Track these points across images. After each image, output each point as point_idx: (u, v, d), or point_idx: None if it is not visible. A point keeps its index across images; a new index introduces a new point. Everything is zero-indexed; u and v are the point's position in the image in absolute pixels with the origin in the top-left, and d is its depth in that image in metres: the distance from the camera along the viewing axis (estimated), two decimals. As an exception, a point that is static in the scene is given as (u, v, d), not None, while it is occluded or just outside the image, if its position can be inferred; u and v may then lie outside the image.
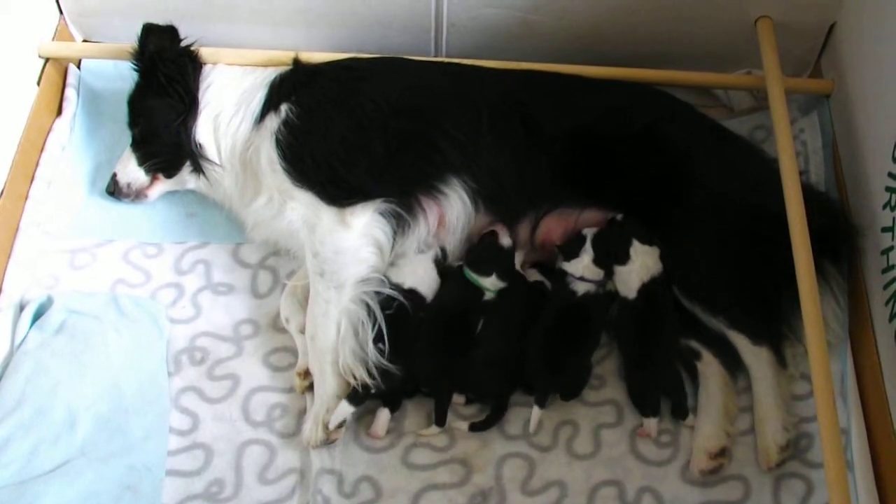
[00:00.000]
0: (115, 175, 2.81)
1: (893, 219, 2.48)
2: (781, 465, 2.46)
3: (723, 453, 2.46)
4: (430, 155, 2.62)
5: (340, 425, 2.46)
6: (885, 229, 2.53)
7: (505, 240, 2.64)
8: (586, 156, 2.66)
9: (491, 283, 2.61)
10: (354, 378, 2.45)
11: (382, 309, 2.53)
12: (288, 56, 2.80)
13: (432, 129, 2.62)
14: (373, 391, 2.46)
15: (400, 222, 2.60)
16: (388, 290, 2.55)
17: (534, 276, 2.70)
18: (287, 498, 2.43)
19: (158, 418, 2.51)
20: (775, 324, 2.59)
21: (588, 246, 2.62)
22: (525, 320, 2.60)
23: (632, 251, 2.59)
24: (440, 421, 2.50)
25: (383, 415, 2.49)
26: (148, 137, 2.76)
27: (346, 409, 2.45)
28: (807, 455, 2.48)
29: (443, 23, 2.98)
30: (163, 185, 2.83)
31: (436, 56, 3.07)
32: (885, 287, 2.50)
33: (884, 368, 2.48)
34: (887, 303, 2.48)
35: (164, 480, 2.44)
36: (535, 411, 2.50)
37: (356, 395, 2.45)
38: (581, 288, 2.61)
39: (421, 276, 2.61)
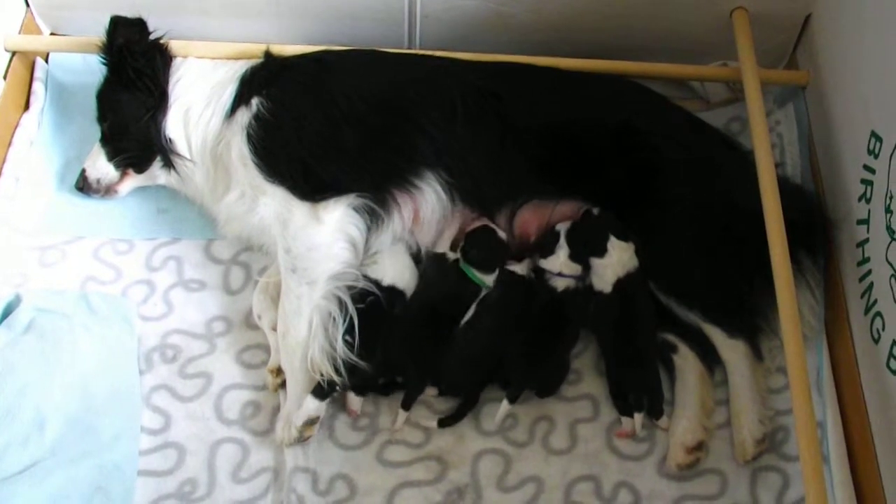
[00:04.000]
0: (84, 170, 2.77)
1: (869, 211, 2.48)
2: (758, 459, 2.46)
3: (699, 447, 2.46)
4: (404, 149, 2.60)
5: (313, 423, 2.43)
6: (860, 221, 2.53)
7: (501, 233, 2.63)
8: (561, 149, 2.64)
9: (491, 280, 2.61)
10: (321, 374, 2.43)
11: (355, 303, 2.50)
12: (259, 49, 2.77)
13: (406, 123, 2.60)
14: (338, 388, 2.44)
15: (374, 217, 2.57)
16: (363, 285, 2.53)
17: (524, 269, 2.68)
18: (261, 497, 2.41)
19: (129, 417, 2.49)
20: (751, 317, 2.59)
21: (563, 241, 2.61)
22: (519, 316, 2.58)
23: (608, 246, 2.58)
24: (406, 405, 2.48)
25: (352, 396, 2.49)
26: (117, 132, 2.72)
27: (311, 405, 2.42)
28: (783, 448, 2.48)
29: (416, 14, 2.95)
30: (133, 181, 2.79)
31: (409, 48, 3.05)
32: (861, 279, 2.50)
33: (859, 361, 2.49)
34: (863, 295, 2.48)
35: (136, 480, 2.41)
36: (504, 406, 2.48)
37: (321, 390, 2.43)
38: (560, 284, 2.60)
39: (400, 270, 2.59)
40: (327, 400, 2.44)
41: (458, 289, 2.61)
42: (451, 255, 2.65)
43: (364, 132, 2.59)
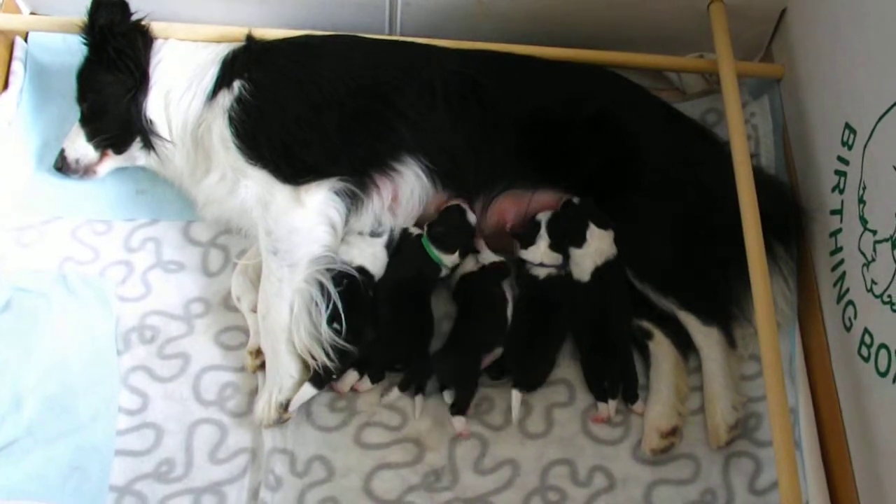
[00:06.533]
0: (63, 151, 2.75)
1: (842, 201, 2.52)
2: (731, 444, 2.49)
3: (674, 432, 2.49)
4: (385, 134, 2.61)
5: (290, 405, 2.45)
6: (833, 212, 2.57)
7: (471, 216, 2.63)
8: (540, 137, 2.67)
9: (451, 261, 2.61)
10: (313, 359, 2.44)
11: (334, 286, 2.51)
12: (241, 32, 2.77)
13: (387, 108, 2.61)
14: (334, 376, 2.46)
15: (354, 200, 2.58)
16: (339, 266, 2.53)
17: (490, 257, 2.68)
18: (238, 477, 2.42)
19: (107, 398, 2.49)
20: (725, 305, 2.63)
21: (543, 231, 2.63)
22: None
23: (588, 234, 2.59)
24: (403, 385, 2.52)
25: (351, 375, 2.50)
26: (97, 113, 2.71)
27: (308, 392, 2.44)
28: (755, 434, 2.52)
29: (397, 1, 2.96)
30: (112, 162, 2.78)
31: (390, 35, 3.05)
32: (833, 269, 2.54)
33: (831, 349, 2.53)
34: (835, 284, 2.52)
35: (113, 460, 2.41)
36: (516, 395, 2.49)
37: (318, 378, 2.45)
38: (542, 273, 2.62)
39: (369, 257, 2.60)
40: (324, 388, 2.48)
41: (419, 265, 2.62)
42: (415, 231, 2.66)
43: (345, 116, 2.59)
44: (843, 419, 2.42)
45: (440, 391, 2.53)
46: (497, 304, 2.60)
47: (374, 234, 2.64)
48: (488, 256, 2.67)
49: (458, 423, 2.47)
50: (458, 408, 2.48)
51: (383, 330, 2.53)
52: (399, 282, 2.60)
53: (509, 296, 2.61)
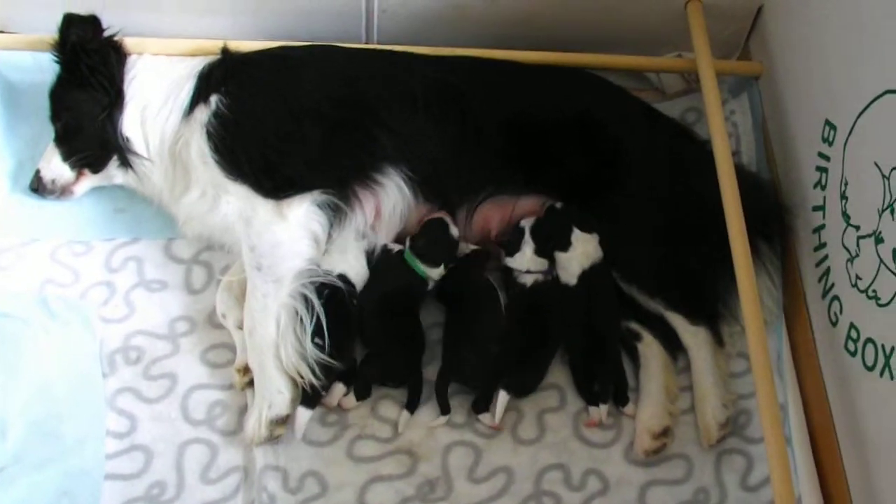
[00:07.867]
0: (38, 171, 2.71)
1: (824, 198, 2.53)
2: (722, 442, 2.50)
3: (665, 433, 2.49)
4: (366, 144, 2.59)
5: (284, 421, 2.43)
6: (815, 208, 2.58)
7: (454, 229, 2.61)
8: (522, 142, 2.66)
9: (437, 273, 2.60)
10: (301, 377, 2.42)
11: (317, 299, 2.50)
12: (216, 45, 2.73)
13: (367, 118, 2.59)
14: (323, 393, 2.44)
15: (336, 213, 2.56)
16: (322, 278, 2.51)
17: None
18: (231, 497, 2.39)
19: (94, 421, 2.46)
20: (712, 303, 2.63)
21: (528, 237, 2.62)
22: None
23: (573, 238, 2.59)
24: (411, 407, 2.50)
25: (338, 388, 2.48)
26: (72, 132, 2.67)
27: (305, 416, 2.43)
28: (746, 431, 2.53)
29: (373, 9, 2.94)
30: (89, 181, 2.74)
31: (366, 43, 3.03)
32: (818, 264, 2.56)
33: (818, 344, 2.54)
34: (820, 279, 2.54)
35: (103, 485, 2.38)
36: (503, 397, 2.49)
37: (309, 398, 2.43)
38: (529, 280, 2.61)
39: (351, 263, 2.58)
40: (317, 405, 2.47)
41: (403, 281, 2.60)
42: (395, 247, 2.65)
43: (325, 128, 2.58)
44: (832, 413, 2.44)
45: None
46: (487, 295, 2.60)
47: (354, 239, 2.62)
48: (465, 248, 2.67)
49: (486, 419, 2.50)
50: (479, 406, 2.50)
51: (373, 347, 2.52)
52: (385, 297, 2.58)
53: (499, 291, 2.61)
